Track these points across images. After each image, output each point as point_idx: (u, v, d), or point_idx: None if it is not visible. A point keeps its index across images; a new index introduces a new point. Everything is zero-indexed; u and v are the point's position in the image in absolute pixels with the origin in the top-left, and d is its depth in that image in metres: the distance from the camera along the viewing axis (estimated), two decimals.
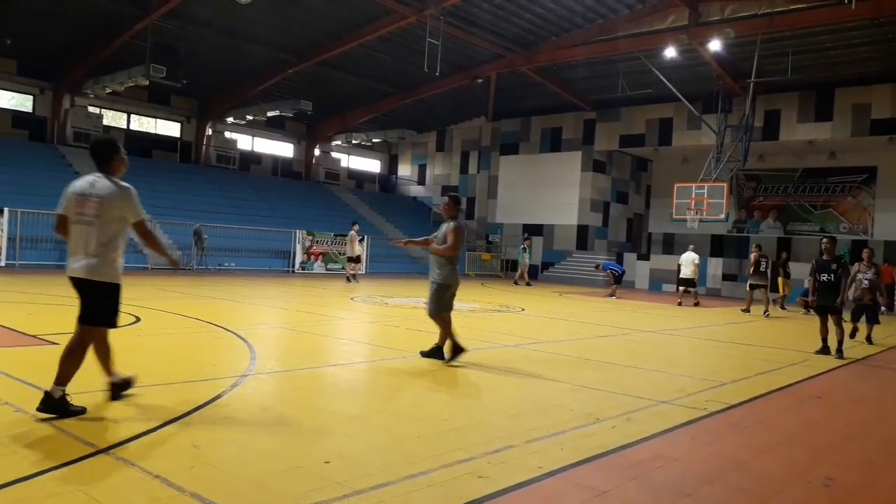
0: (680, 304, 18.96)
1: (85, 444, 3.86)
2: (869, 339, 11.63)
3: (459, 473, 3.78)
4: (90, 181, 4.67)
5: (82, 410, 4.45)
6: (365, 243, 26.32)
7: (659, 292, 25.97)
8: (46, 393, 4.38)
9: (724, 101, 24.78)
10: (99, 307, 4.66)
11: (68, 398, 4.42)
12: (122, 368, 4.96)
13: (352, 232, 21.45)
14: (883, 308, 13.35)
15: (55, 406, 4.34)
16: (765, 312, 16.87)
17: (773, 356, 9.26)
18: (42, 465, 3.46)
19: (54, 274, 17.01)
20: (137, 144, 27.99)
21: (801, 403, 6.47)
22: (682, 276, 19.18)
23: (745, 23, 20.90)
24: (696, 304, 19.03)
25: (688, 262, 19.00)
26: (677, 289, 20.48)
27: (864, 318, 11.48)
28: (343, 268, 25.67)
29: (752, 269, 17.34)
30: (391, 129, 32.93)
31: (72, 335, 4.64)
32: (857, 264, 11.60)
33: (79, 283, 4.64)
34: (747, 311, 17.14)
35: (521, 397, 5.97)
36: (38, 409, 4.32)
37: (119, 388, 4.94)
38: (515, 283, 25.20)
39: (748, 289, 17.52)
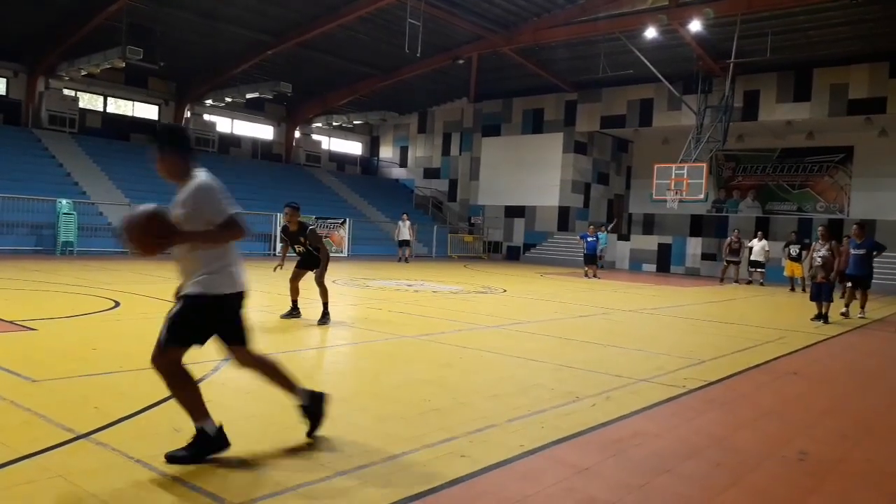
0: (750, 282, 21.60)
1: (64, 429, 3.84)
2: (826, 318, 11.31)
3: (441, 453, 3.81)
4: None
5: None
6: (347, 226, 26.27)
7: (639, 272, 26.15)
8: None
9: (703, 82, 24.86)
10: None
11: None
12: (102, 354, 4.93)
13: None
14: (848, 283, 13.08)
15: None
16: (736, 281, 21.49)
17: (751, 334, 9.39)
18: (21, 452, 3.44)
19: (31, 259, 16.80)
20: (115, 127, 27.61)
21: (777, 379, 6.58)
22: (753, 258, 21.35)
23: (725, 3, 20.89)
24: (762, 284, 21.09)
25: (758, 247, 21.21)
26: (750, 271, 21.99)
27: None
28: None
29: (727, 250, 21.67)
30: (372, 110, 32.66)
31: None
32: (814, 243, 12.18)
33: None
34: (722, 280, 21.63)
35: (503, 377, 6.02)
36: None
37: None
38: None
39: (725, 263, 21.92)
